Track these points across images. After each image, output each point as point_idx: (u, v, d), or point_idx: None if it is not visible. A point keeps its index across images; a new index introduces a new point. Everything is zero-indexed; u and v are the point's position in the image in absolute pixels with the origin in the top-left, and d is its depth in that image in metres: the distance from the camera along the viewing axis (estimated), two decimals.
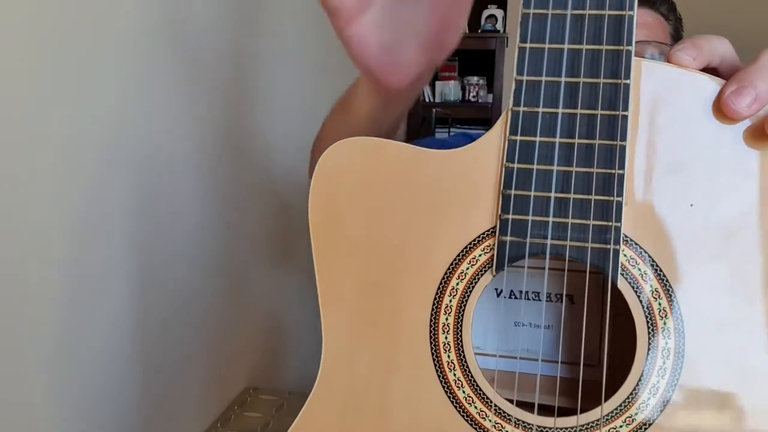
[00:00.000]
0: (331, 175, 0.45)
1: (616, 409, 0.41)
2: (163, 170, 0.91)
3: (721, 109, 0.40)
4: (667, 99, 0.41)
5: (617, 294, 0.43)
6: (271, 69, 1.20)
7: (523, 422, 0.42)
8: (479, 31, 2.69)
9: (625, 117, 0.41)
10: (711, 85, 0.40)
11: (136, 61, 0.84)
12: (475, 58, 2.66)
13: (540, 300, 0.48)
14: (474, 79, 2.78)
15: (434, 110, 2.58)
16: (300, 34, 1.30)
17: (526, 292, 0.49)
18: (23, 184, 0.69)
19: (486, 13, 2.69)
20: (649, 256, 0.41)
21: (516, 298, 0.49)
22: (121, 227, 0.83)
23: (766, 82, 0.39)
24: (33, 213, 0.70)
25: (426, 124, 2.52)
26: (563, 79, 0.42)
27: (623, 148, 0.41)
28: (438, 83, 2.72)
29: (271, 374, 1.25)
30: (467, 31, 2.69)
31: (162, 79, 0.90)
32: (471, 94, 2.79)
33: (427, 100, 2.71)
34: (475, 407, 0.43)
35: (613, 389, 0.42)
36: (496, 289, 0.49)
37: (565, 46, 0.42)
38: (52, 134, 0.72)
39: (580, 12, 0.42)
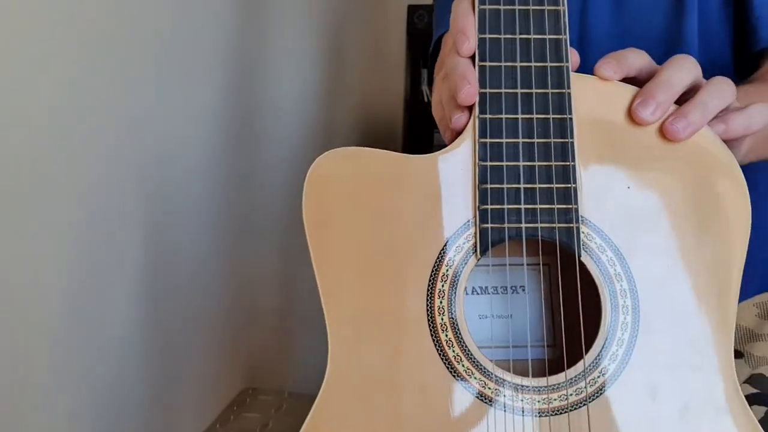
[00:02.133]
0: (320, 183, 0.49)
1: (593, 362, 0.48)
2: (168, 171, 0.90)
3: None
4: (596, 104, 0.51)
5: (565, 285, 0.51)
6: (277, 70, 1.22)
7: (521, 385, 0.47)
8: None
9: (571, 119, 0.50)
10: (627, 93, 0.51)
11: (148, 63, 0.85)
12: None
13: (498, 293, 0.55)
14: None
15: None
16: (305, 35, 1.33)
17: (485, 288, 0.55)
18: (33, 183, 0.68)
19: None
20: (602, 231, 0.49)
21: (477, 294, 0.55)
22: (123, 228, 0.81)
23: (665, 93, 0.50)
24: (42, 212, 0.69)
25: (424, 124, 2.48)
26: (519, 91, 0.50)
27: (573, 144, 0.50)
28: None
29: (270, 374, 1.20)
30: None
31: (174, 80, 0.90)
32: None
33: (425, 100, 2.65)
34: (475, 378, 0.48)
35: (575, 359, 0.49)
36: None
37: (518, 64, 0.50)
38: (63, 134, 0.72)
39: (527, 36, 0.51)
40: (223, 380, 1.06)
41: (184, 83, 0.96)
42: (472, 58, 0.51)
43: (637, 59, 0.51)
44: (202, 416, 0.97)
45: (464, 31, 0.51)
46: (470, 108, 0.50)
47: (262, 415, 0.94)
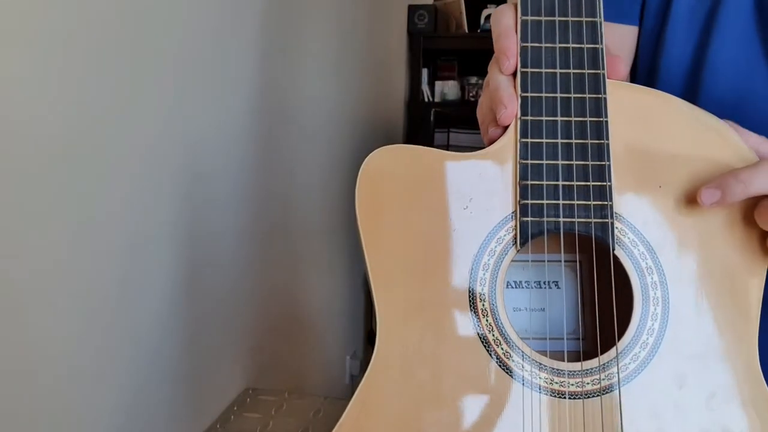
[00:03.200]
0: (373, 176, 0.53)
1: (625, 348, 0.51)
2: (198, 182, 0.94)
3: None
4: (630, 109, 0.54)
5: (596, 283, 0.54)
6: (302, 78, 1.27)
7: (556, 369, 0.51)
8: (478, 30, 2.61)
9: (607, 122, 0.53)
10: (659, 99, 0.54)
11: (181, 70, 0.90)
12: (475, 58, 2.58)
13: (533, 287, 0.58)
14: (473, 79, 2.68)
15: (433, 110, 2.50)
16: (327, 45, 1.37)
17: (520, 282, 0.58)
18: (78, 184, 0.73)
19: (485, 12, 2.60)
20: (635, 227, 0.53)
21: (512, 287, 0.58)
22: (120, 231, 0.84)
23: (731, 195, 0.50)
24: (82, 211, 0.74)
25: (425, 124, 2.50)
26: (559, 95, 0.54)
27: (608, 146, 0.53)
28: (437, 83, 2.58)
29: (270, 375, 1.23)
30: (466, 31, 2.62)
31: (206, 86, 0.95)
32: (470, 94, 2.67)
33: (426, 100, 2.56)
34: (513, 360, 0.51)
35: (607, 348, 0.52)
36: None
37: (558, 71, 0.54)
38: (101, 137, 0.76)
39: (566, 45, 0.54)
40: (224, 380, 1.09)
41: (220, 88, 1.00)
42: (514, 74, 0.54)
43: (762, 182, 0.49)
44: (203, 416, 1.00)
45: (506, 52, 0.54)
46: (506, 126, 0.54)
47: (262, 415, 0.98)
